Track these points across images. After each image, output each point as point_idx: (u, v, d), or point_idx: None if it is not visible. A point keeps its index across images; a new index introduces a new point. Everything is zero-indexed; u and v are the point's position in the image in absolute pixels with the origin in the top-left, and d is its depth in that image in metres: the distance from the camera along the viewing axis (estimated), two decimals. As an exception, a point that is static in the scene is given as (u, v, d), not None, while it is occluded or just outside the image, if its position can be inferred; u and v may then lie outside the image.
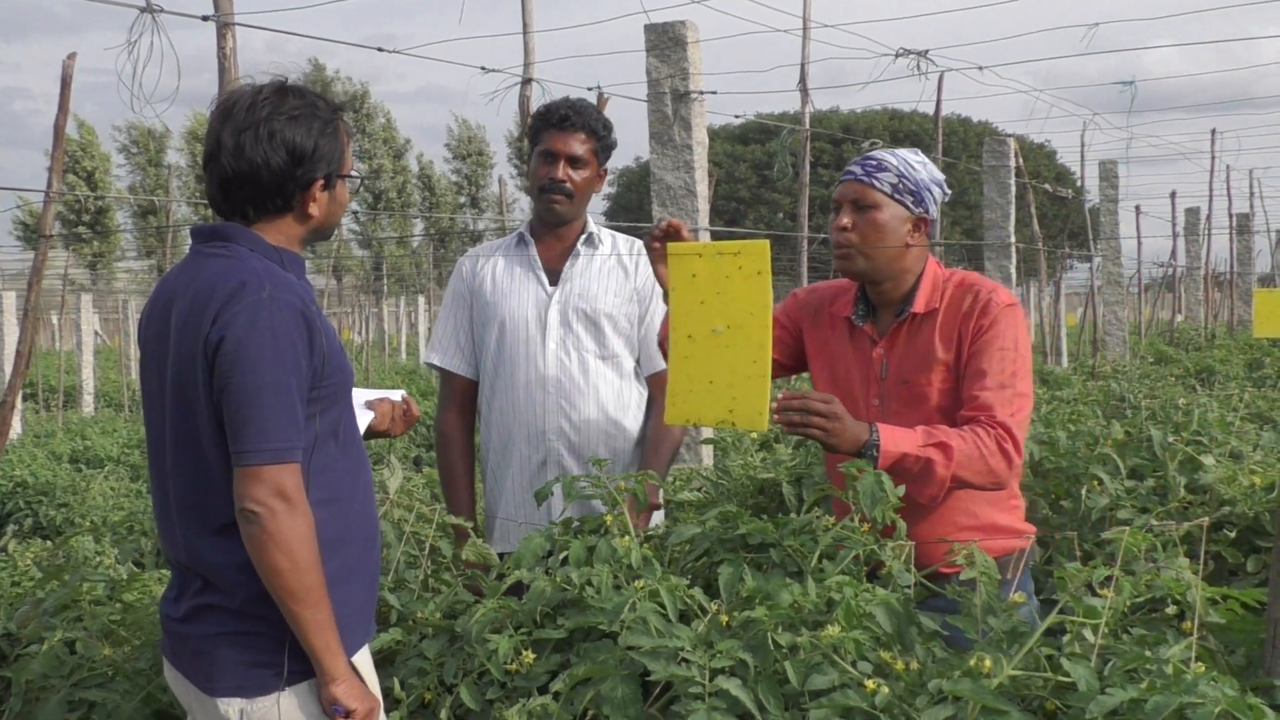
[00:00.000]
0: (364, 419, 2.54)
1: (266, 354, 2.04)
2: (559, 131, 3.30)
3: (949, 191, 2.83)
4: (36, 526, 7.96)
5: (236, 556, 2.10)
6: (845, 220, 2.71)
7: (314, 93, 2.25)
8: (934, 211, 2.77)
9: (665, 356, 2.78)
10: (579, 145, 3.30)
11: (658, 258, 2.69)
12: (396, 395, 2.66)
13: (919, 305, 2.73)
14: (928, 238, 2.77)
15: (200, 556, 2.14)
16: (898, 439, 2.51)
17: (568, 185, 3.30)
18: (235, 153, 2.15)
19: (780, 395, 2.48)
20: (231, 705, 2.13)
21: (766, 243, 2.48)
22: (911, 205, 2.72)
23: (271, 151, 2.15)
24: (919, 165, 2.75)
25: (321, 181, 2.22)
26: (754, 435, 5.31)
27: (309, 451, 2.12)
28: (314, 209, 2.23)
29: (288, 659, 2.13)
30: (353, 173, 2.32)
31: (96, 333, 24.05)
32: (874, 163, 2.73)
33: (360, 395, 2.57)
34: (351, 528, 2.21)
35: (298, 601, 2.04)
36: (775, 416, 2.47)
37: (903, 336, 2.74)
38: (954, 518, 2.64)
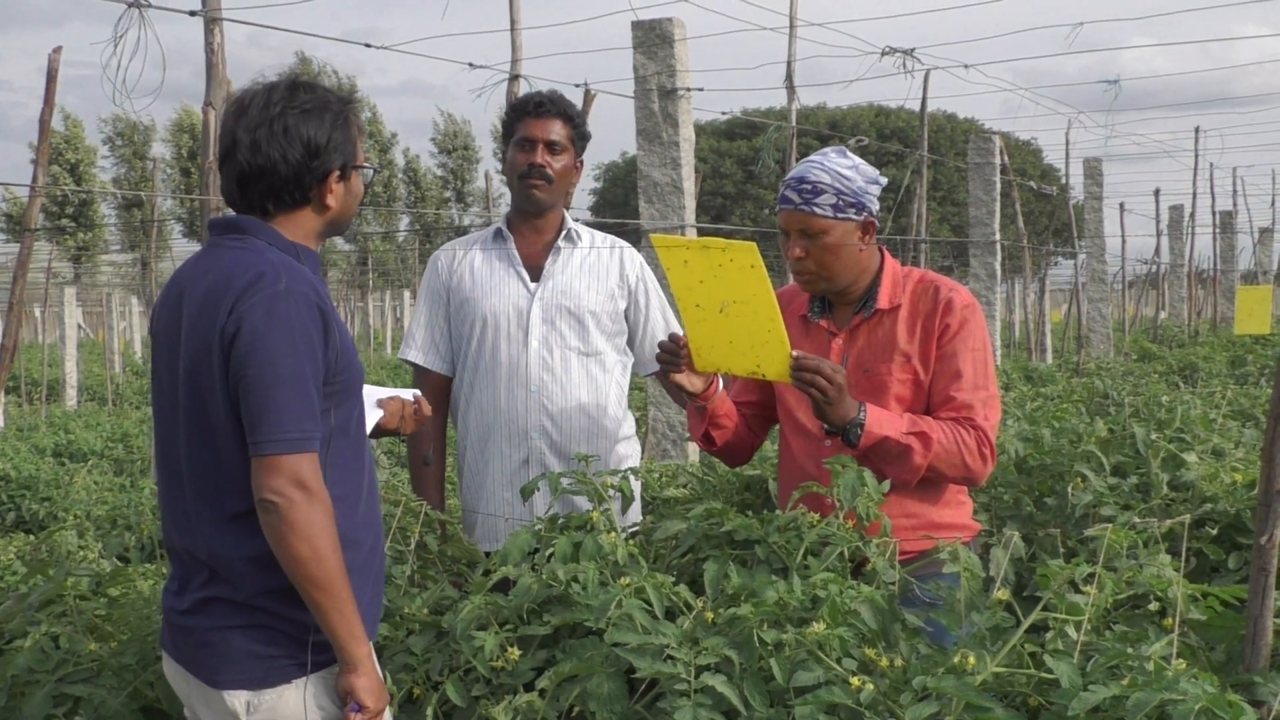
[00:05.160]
0: (373, 417, 2.54)
1: (283, 345, 2.05)
2: (535, 119, 3.30)
3: (884, 180, 2.83)
4: (19, 521, 7.93)
5: (247, 548, 2.10)
6: (798, 251, 2.74)
7: (324, 87, 2.28)
8: (877, 207, 2.78)
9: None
10: (555, 132, 3.31)
11: (671, 368, 2.77)
12: (408, 394, 2.66)
13: (883, 302, 2.78)
14: (876, 232, 2.81)
15: (210, 547, 2.14)
16: (883, 422, 2.61)
17: (547, 170, 3.30)
18: (251, 149, 2.18)
19: (796, 352, 2.58)
20: (238, 698, 2.13)
21: (753, 244, 2.52)
22: (855, 215, 2.72)
23: (287, 145, 2.17)
24: (851, 172, 2.72)
25: (337, 173, 2.24)
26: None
27: (322, 447, 2.12)
28: (331, 200, 2.25)
29: (296, 651, 2.14)
30: (365, 165, 2.33)
31: (80, 326, 23.93)
32: (809, 187, 2.69)
33: (371, 394, 2.57)
34: (359, 526, 2.21)
35: (320, 589, 2.04)
36: (790, 366, 2.57)
37: (865, 330, 2.80)
38: (886, 514, 2.62)
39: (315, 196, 2.23)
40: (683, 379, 2.78)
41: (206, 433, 2.12)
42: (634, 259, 3.45)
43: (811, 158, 2.77)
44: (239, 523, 2.11)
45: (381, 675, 2.21)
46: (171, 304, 2.20)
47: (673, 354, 2.76)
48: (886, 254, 2.84)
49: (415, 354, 3.40)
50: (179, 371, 2.15)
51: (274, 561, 2.07)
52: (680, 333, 2.79)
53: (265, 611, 2.12)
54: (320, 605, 2.06)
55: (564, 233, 3.38)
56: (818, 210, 2.70)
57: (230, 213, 2.27)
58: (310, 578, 2.04)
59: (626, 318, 3.42)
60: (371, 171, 2.36)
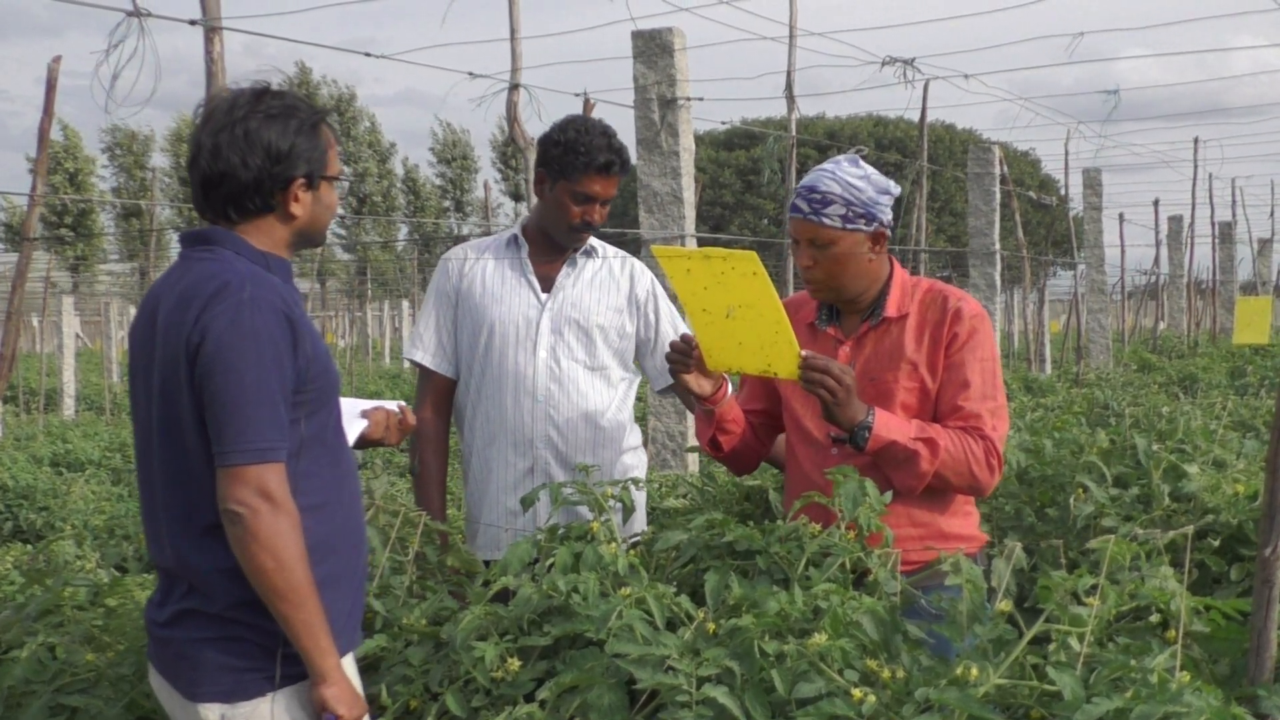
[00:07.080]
0: (358, 427, 2.54)
1: (248, 354, 2.04)
2: (603, 177, 3.24)
3: (898, 189, 2.81)
4: (16, 530, 7.92)
5: (219, 560, 2.09)
6: (807, 260, 2.73)
7: (295, 95, 2.25)
8: (889, 218, 2.76)
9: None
10: (614, 187, 3.29)
11: (680, 369, 2.76)
12: (392, 405, 2.66)
13: (891, 310, 2.77)
14: (888, 243, 2.79)
15: (184, 559, 2.13)
16: (890, 426, 2.60)
17: (598, 225, 3.31)
18: (213, 153, 2.16)
19: (805, 352, 2.57)
20: (212, 710, 2.12)
21: (753, 253, 2.51)
22: (865, 226, 2.70)
23: (248, 150, 2.15)
24: (861, 182, 2.69)
25: (303, 181, 2.21)
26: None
27: (295, 455, 2.11)
28: (297, 209, 2.22)
29: (269, 664, 2.13)
30: (338, 176, 2.30)
31: (78, 335, 23.91)
32: (819, 197, 2.68)
33: (355, 405, 2.56)
34: (337, 535, 2.20)
35: (284, 601, 2.04)
36: (799, 366, 2.56)
37: (872, 338, 2.79)
38: (893, 523, 2.62)
39: (279, 204, 2.20)
40: (692, 380, 2.76)
41: (178, 445, 2.11)
42: (644, 275, 3.44)
43: (824, 166, 2.75)
44: (211, 535, 2.10)
45: (355, 685, 2.20)
46: (146, 318, 2.19)
47: (683, 354, 2.75)
48: (895, 263, 2.83)
49: (424, 355, 3.38)
50: (153, 385, 2.14)
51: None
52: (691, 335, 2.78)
53: (238, 624, 2.12)
54: (285, 616, 2.05)
55: (581, 247, 3.37)
56: (826, 221, 2.68)
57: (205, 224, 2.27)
58: (274, 588, 2.03)
59: (637, 335, 3.41)
60: (346, 184, 2.33)
